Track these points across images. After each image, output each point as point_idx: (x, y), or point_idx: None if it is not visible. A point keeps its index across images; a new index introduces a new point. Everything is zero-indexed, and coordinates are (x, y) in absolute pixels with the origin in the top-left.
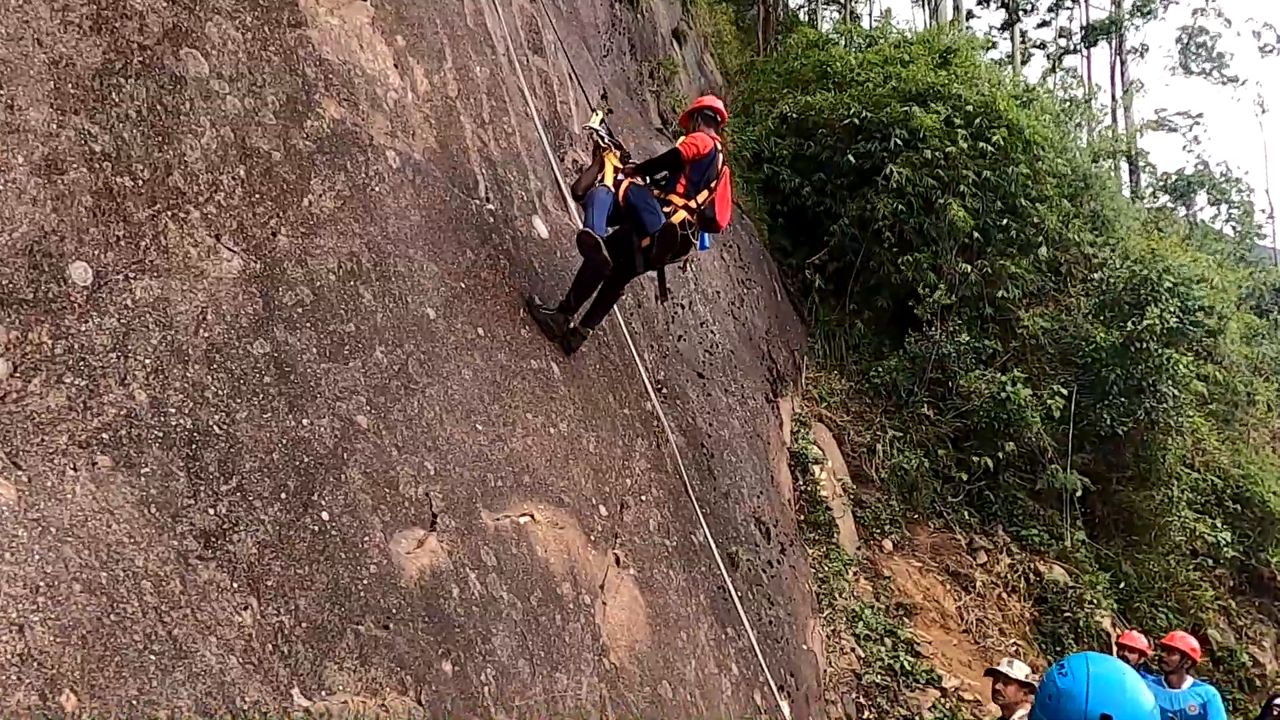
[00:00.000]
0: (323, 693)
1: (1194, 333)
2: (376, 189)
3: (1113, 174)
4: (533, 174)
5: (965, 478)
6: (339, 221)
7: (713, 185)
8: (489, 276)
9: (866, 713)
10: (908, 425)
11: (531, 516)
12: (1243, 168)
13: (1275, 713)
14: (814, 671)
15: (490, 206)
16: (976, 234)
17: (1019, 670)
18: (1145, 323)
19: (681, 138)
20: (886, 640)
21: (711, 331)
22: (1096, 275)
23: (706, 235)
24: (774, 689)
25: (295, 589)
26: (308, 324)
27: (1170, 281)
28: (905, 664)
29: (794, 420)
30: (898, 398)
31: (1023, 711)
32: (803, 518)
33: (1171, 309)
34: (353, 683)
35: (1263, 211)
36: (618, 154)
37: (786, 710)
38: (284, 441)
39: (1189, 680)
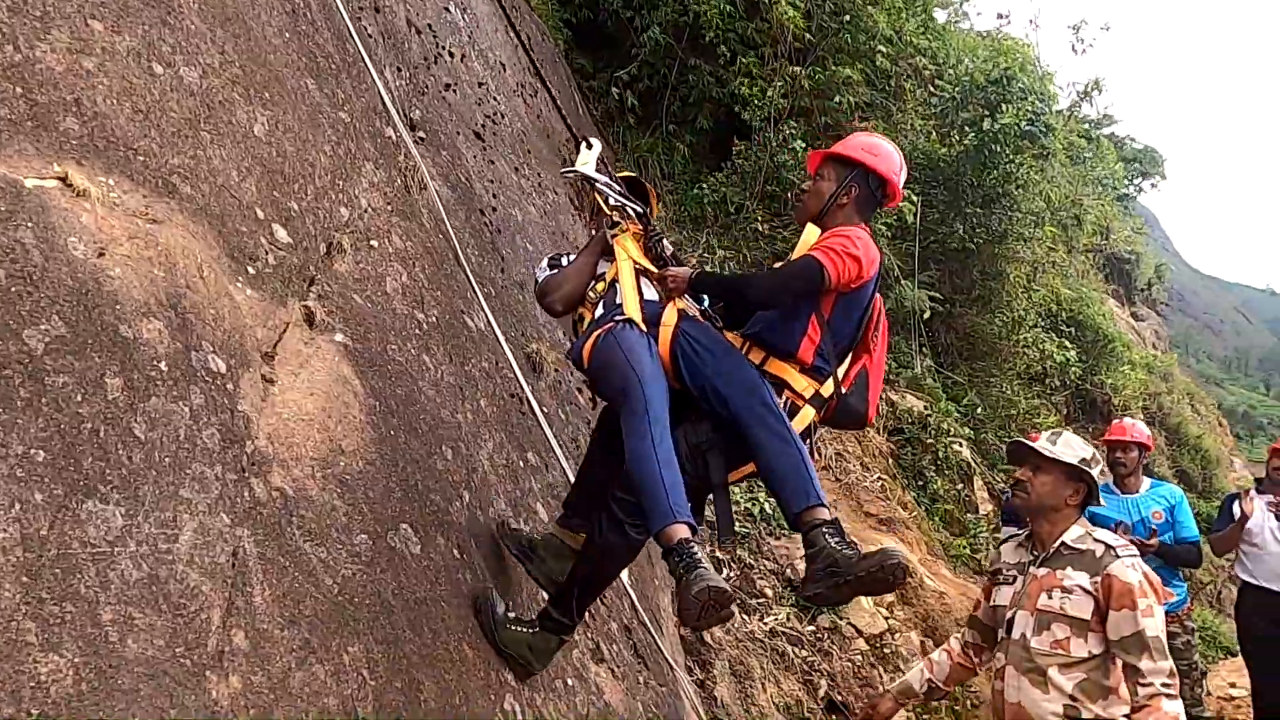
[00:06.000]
0: None
1: (1041, 138)
2: None
3: None
4: None
5: None
6: None
7: (860, 336)
8: None
9: (727, 571)
10: (740, 244)
11: (65, 181)
12: None
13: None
14: None
15: None
16: (809, 35)
17: (1069, 448)
18: (1002, 122)
19: (815, 232)
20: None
21: (495, 99)
22: (941, 79)
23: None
24: None
25: None
26: None
27: (1024, 80)
28: (765, 507)
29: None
30: (725, 215)
31: (1077, 530)
32: None
33: (1026, 109)
34: None
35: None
36: (638, 228)
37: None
38: None
39: (1146, 481)
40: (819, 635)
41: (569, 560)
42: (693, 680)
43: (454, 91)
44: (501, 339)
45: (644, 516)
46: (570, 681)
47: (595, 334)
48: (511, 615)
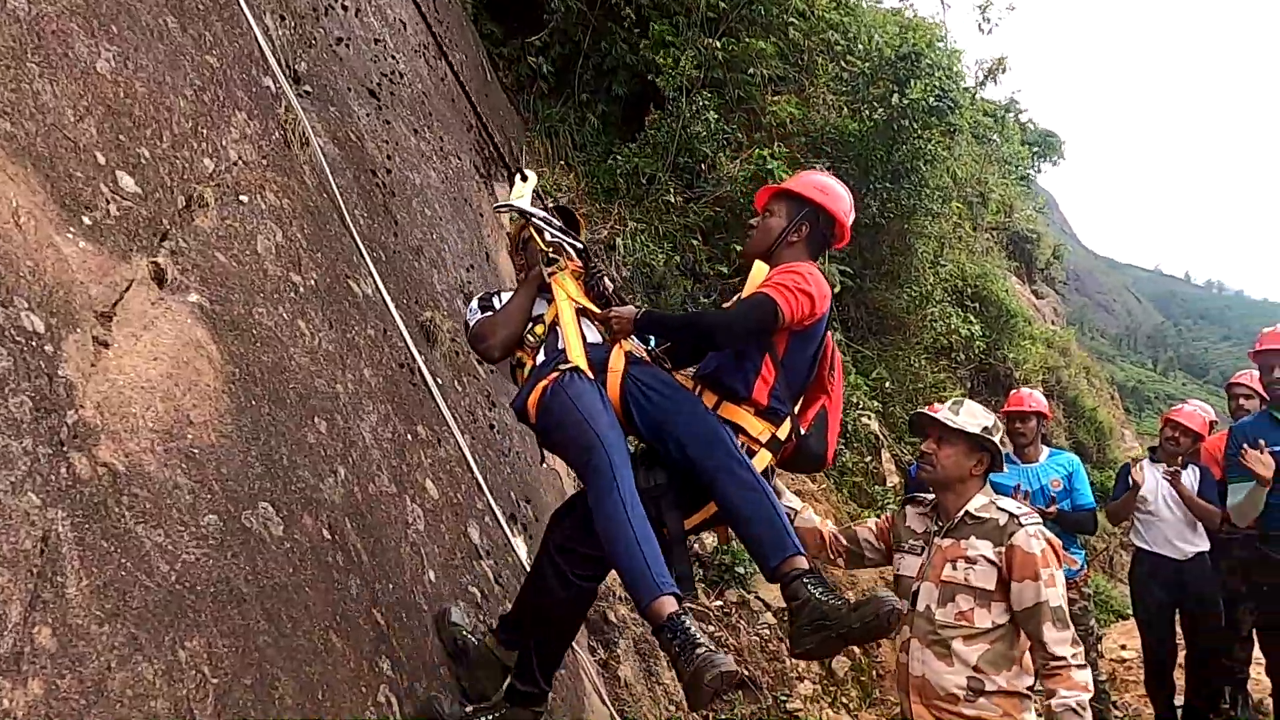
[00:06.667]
0: None
1: (949, 115)
2: None
3: None
4: None
5: (725, 271)
6: None
7: (815, 374)
8: None
9: None
10: (652, 216)
11: None
12: None
13: (1129, 479)
14: (559, 496)
15: None
16: (722, 4)
17: (971, 417)
18: (912, 96)
19: (764, 269)
20: None
21: (393, 58)
22: (852, 54)
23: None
24: (501, 519)
25: None
26: None
27: (932, 57)
28: None
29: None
30: (638, 187)
31: (980, 499)
32: None
33: (934, 85)
34: None
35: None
36: (577, 264)
37: (522, 549)
38: None
39: (1045, 450)
40: (727, 610)
41: (501, 677)
42: (595, 660)
43: (346, 46)
44: (391, 305)
45: (591, 567)
46: None
47: (540, 385)
48: (469, 709)
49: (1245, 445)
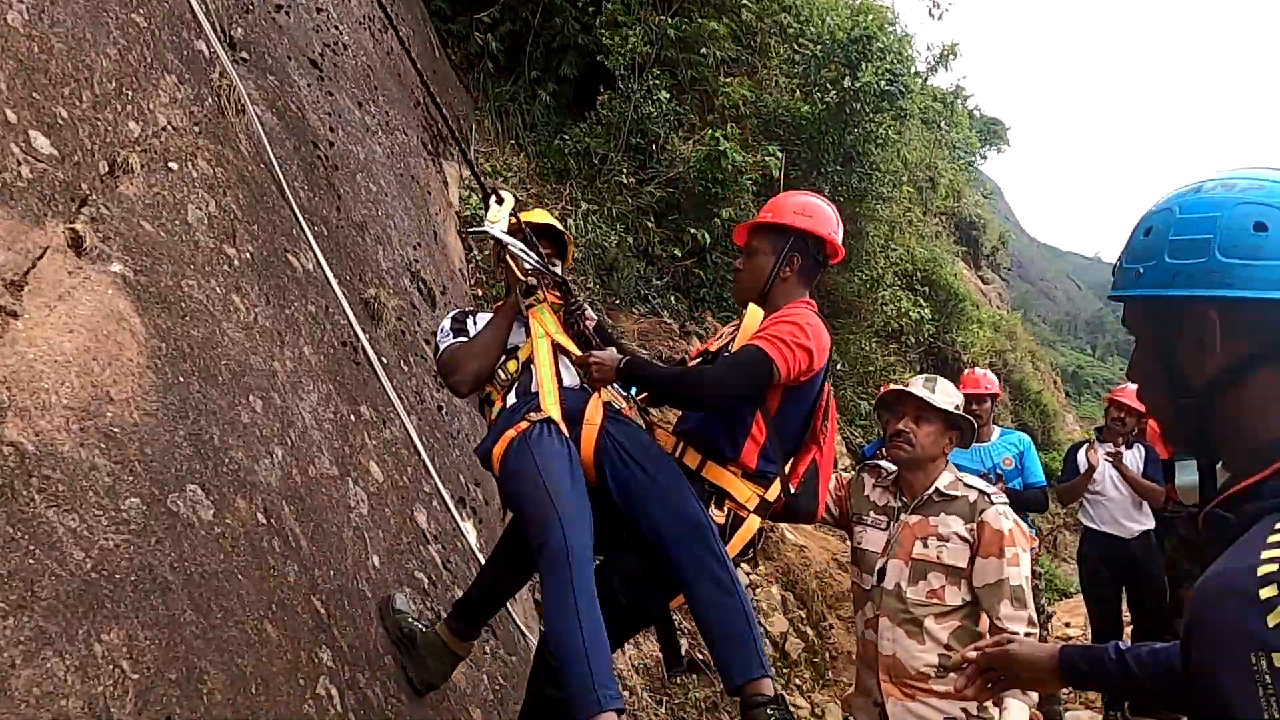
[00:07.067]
0: None
1: (900, 99)
2: None
3: None
4: None
5: (679, 254)
6: None
7: (807, 427)
8: None
9: None
10: (604, 197)
11: None
12: None
13: (1076, 461)
14: None
15: None
16: None
17: (946, 396)
18: (863, 80)
19: (758, 315)
20: None
21: (336, 28)
22: (804, 36)
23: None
24: (450, 503)
25: None
26: None
27: (884, 40)
28: None
29: (463, 187)
30: (589, 167)
31: (948, 476)
32: (480, 293)
33: (885, 68)
34: None
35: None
36: (557, 296)
37: (472, 535)
38: None
39: (995, 430)
40: None
41: (450, 666)
42: None
43: (287, 14)
44: (333, 281)
45: None
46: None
47: (508, 435)
48: None
49: None
